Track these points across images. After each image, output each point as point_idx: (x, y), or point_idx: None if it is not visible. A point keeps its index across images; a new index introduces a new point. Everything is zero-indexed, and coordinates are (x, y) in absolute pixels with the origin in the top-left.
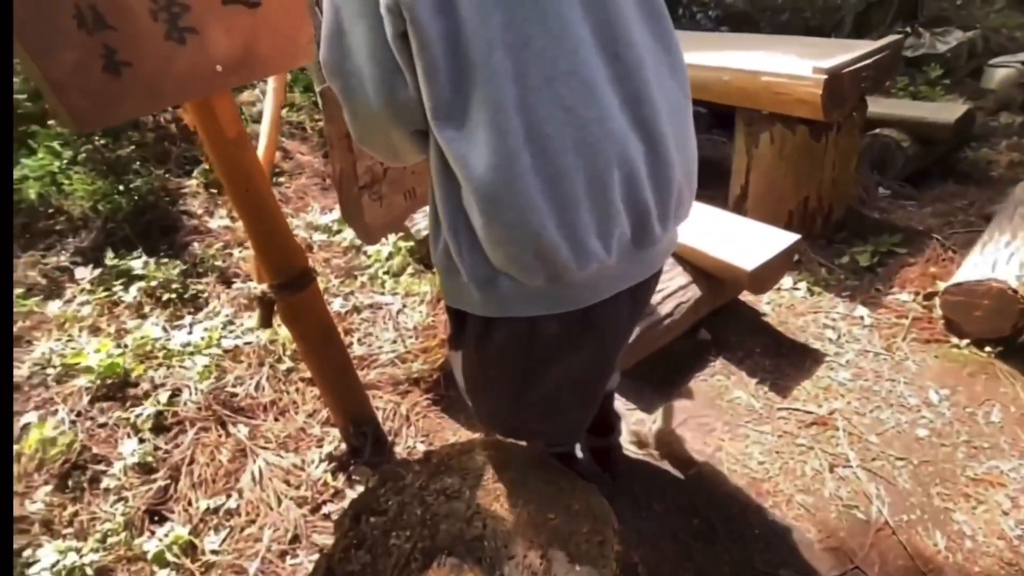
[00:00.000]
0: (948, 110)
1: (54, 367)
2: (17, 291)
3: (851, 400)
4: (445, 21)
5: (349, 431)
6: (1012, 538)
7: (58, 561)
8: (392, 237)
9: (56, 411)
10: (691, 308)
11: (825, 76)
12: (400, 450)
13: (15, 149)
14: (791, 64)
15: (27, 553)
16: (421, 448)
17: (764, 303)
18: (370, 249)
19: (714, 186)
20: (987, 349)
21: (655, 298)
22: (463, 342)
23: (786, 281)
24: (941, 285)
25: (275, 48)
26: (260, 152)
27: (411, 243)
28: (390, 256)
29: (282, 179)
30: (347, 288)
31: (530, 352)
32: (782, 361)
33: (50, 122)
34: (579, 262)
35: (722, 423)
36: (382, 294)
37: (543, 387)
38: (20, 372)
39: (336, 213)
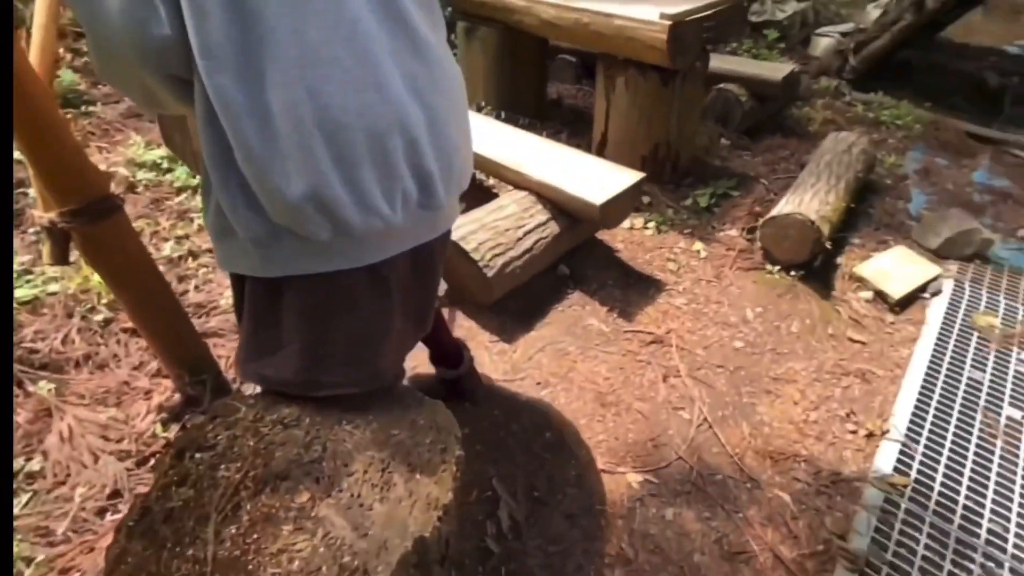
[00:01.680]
0: (779, 70)
1: None
2: None
3: (685, 321)
4: None
5: (184, 380)
6: (799, 422)
7: None
8: None
9: None
10: (551, 244)
11: (670, 22)
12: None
13: None
14: (642, 10)
15: None
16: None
17: (618, 242)
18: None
19: (581, 133)
20: (792, 273)
21: (516, 233)
22: (244, 306)
23: (638, 221)
24: (761, 221)
25: None
26: (33, 59)
27: None
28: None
29: (95, 107)
30: (181, 231)
31: (318, 308)
32: (630, 291)
33: None
34: (364, 218)
35: (576, 347)
36: (187, 219)
37: (335, 343)
38: None
39: (160, 151)
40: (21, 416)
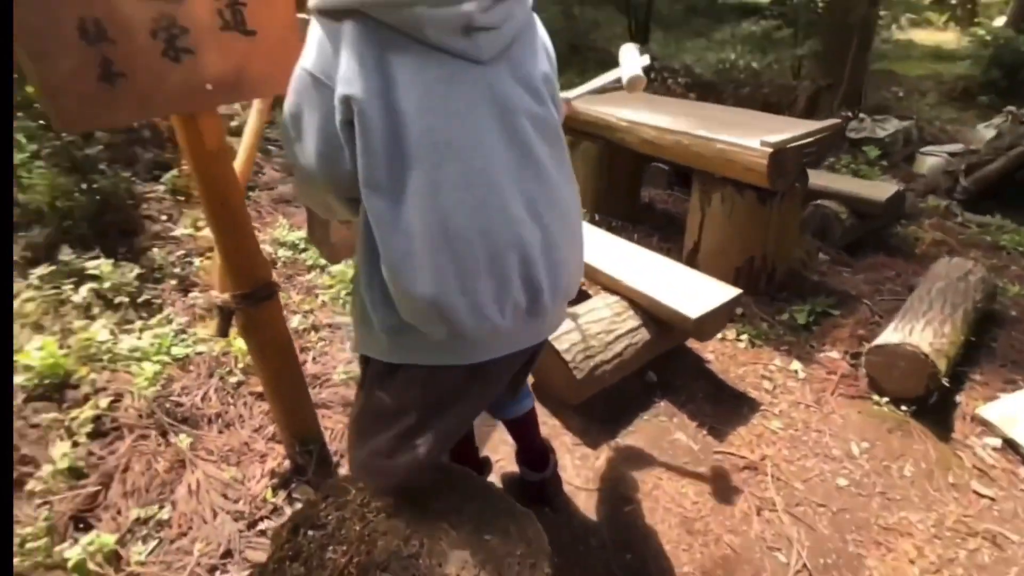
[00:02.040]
0: (882, 189)
1: None
2: None
3: (781, 448)
4: (388, 117)
5: (295, 448)
6: None
7: None
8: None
9: None
10: (640, 350)
11: (771, 149)
12: (344, 472)
13: None
14: (743, 135)
15: None
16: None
17: (708, 351)
18: (333, 270)
19: (672, 239)
20: (903, 408)
21: (607, 337)
22: (365, 384)
23: (730, 332)
24: (867, 346)
25: (265, 73)
26: (237, 166)
27: None
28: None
29: (253, 192)
30: (307, 306)
31: (424, 396)
32: (721, 407)
33: (19, 113)
34: (476, 324)
35: (662, 462)
36: (343, 314)
37: (428, 428)
38: None
39: (304, 231)
40: (160, 464)
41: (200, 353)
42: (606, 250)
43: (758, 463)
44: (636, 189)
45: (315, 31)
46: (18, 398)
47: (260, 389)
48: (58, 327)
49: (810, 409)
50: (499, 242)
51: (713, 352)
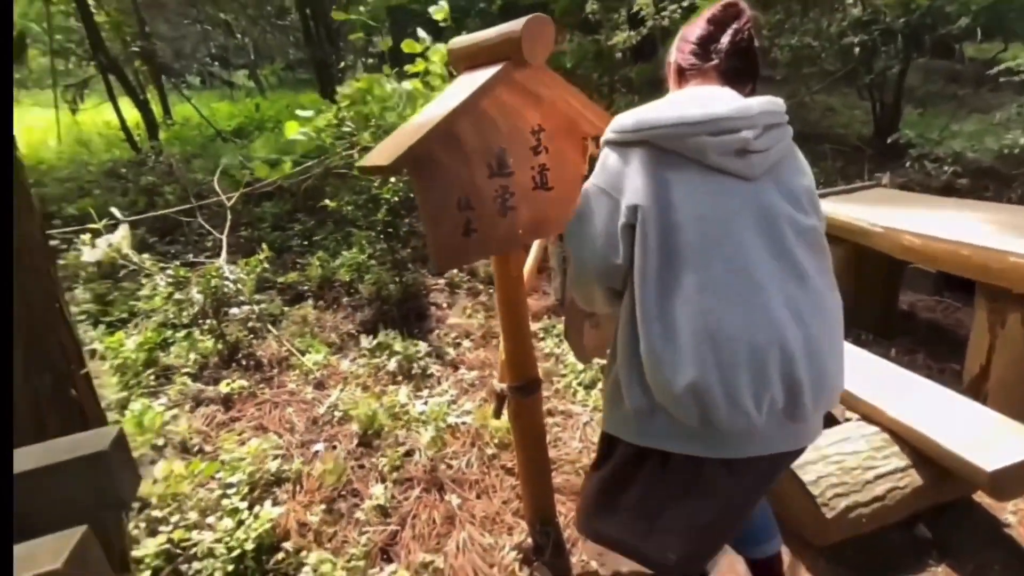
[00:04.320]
0: None
1: (339, 411)
2: (323, 348)
3: None
4: (665, 223)
5: (536, 527)
6: None
7: (319, 567)
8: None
9: (335, 447)
10: (908, 497)
11: None
12: (575, 560)
13: (341, 244)
14: None
15: (302, 553)
16: (595, 565)
17: (1009, 511)
18: (567, 360)
19: (944, 358)
20: None
21: (866, 475)
22: (605, 465)
23: None
24: None
25: (558, 217)
26: (526, 271)
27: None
28: (584, 369)
29: None
30: (544, 392)
31: (671, 484)
32: None
33: (362, 225)
34: (731, 414)
35: None
36: (573, 403)
37: (674, 520)
38: (319, 410)
39: (540, 323)
40: (436, 515)
41: (465, 423)
42: (862, 369)
43: None
44: (893, 296)
45: (605, 158)
46: (353, 442)
47: (510, 464)
48: (377, 388)
49: None
50: (760, 338)
51: (1016, 513)
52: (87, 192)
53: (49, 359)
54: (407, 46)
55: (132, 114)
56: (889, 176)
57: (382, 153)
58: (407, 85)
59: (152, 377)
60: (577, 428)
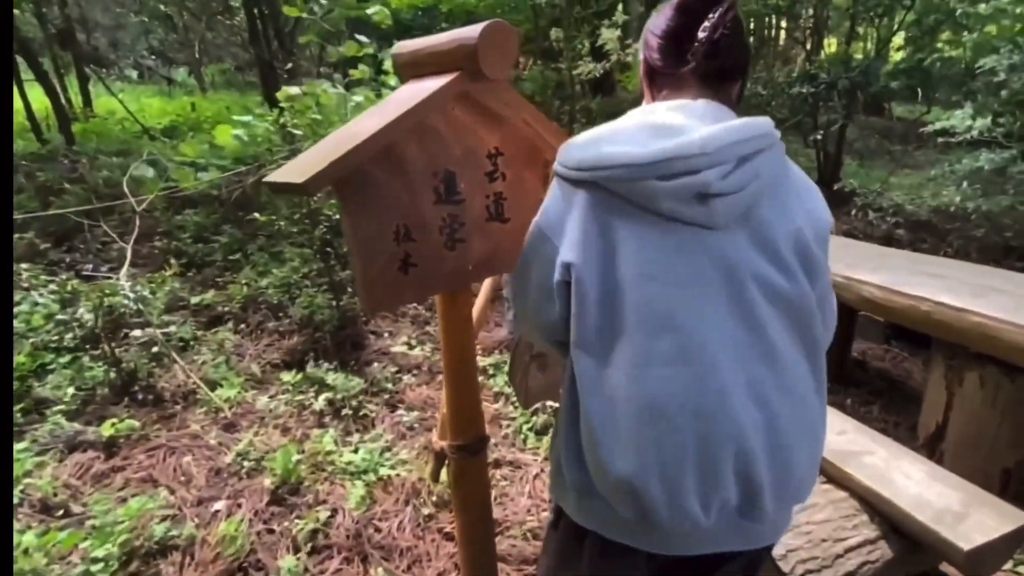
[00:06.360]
0: None
1: (249, 460)
2: (238, 381)
3: None
4: (604, 285)
5: None
6: None
7: None
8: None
9: (240, 505)
10: (879, 571)
11: None
12: None
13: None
14: (1010, 307)
15: None
16: None
17: None
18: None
19: (897, 410)
20: None
21: (835, 548)
22: (555, 533)
23: (1008, 562)
24: None
25: (512, 251)
26: (475, 315)
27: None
28: (535, 412)
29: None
30: (492, 438)
31: (612, 572)
32: None
33: (296, 241)
34: (672, 516)
35: None
36: (523, 451)
37: None
38: (226, 459)
39: (490, 359)
40: None
41: (399, 475)
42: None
43: None
44: (847, 344)
45: (553, 192)
46: (264, 500)
47: (448, 527)
48: (300, 432)
49: None
50: (712, 429)
51: None
52: None
53: None
54: (348, 48)
55: (44, 102)
56: (834, 223)
57: (298, 168)
58: (358, 97)
59: (19, 414)
60: (527, 482)
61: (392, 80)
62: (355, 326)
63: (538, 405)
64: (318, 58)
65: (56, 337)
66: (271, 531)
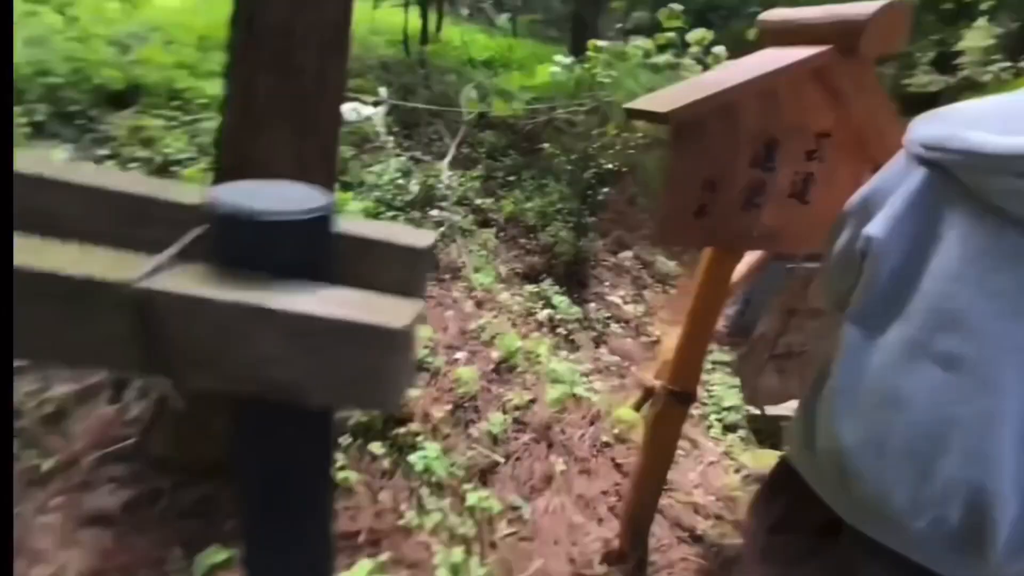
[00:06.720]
0: None
1: (485, 333)
2: (492, 274)
3: None
4: (904, 269)
5: (627, 536)
6: None
7: (428, 456)
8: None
9: (474, 361)
10: None
11: None
12: None
13: (537, 191)
14: None
15: (419, 438)
16: None
17: None
18: (716, 390)
19: None
20: None
21: None
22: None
23: None
24: None
25: (799, 235)
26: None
27: (757, 412)
28: (729, 409)
29: None
30: None
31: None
32: None
33: (563, 179)
34: (875, 492)
35: None
36: (706, 437)
37: None
38: (471, 325)
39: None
40: (537, 467)
41: (591, 400)
42: None
43: None
44: None
45: (893, 163)
46: (490, 365)
47: (620, 459)
48: (524, 330)
49: None
50: (945, 468)
51: None
52: (361, 74)
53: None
54: (664, 16)
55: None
56: None
57: (658, 101)
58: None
59: None
60: (700, 463)
61: (695, 49)
62: (585, 266)
63: (734, 399)
64: (623, 21)
65: (390, 196)
66: (489, 391)
